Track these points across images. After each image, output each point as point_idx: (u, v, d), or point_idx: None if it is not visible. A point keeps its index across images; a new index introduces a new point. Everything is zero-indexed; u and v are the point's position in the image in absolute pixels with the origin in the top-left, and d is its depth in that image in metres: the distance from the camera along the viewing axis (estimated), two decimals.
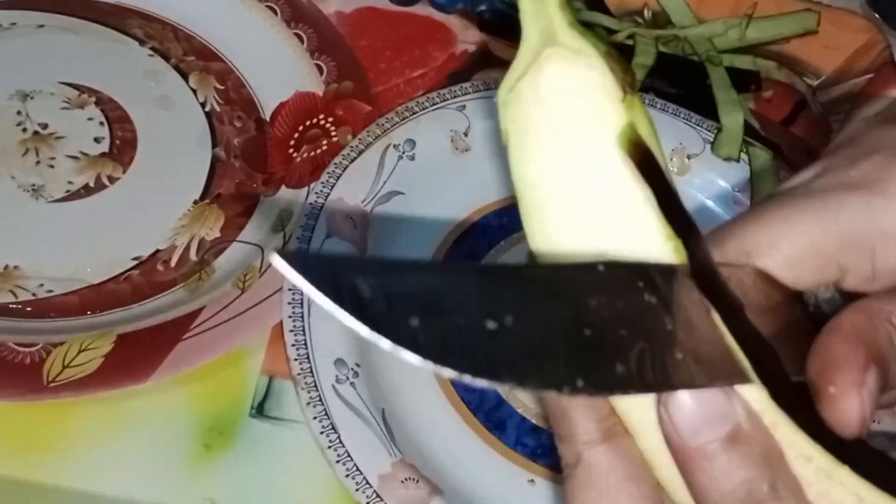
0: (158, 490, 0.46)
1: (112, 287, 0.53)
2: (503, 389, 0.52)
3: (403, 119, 0.60)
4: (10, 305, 0.51)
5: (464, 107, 0.61)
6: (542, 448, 0.51)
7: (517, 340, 0.22)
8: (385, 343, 0.19)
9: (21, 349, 0.48)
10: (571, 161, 0.27)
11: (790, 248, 0.29)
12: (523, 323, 0.22)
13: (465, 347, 0.21)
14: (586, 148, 0.27)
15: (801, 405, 0.28)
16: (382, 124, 0.59)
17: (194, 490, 0.47)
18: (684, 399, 0.26)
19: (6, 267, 0.52)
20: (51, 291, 0.52)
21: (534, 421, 0.52)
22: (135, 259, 0.54)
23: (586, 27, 0.27)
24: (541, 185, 0.28)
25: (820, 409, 0.27)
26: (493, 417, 0.52)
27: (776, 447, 0.27)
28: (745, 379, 0.26)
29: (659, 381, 0.24)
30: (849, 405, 0.27)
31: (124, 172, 0.58)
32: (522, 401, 0.52)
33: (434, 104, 0.61)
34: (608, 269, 0.25)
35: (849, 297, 0.30)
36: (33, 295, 0.52)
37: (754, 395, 0.27)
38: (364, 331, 0.19)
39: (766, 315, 0.29)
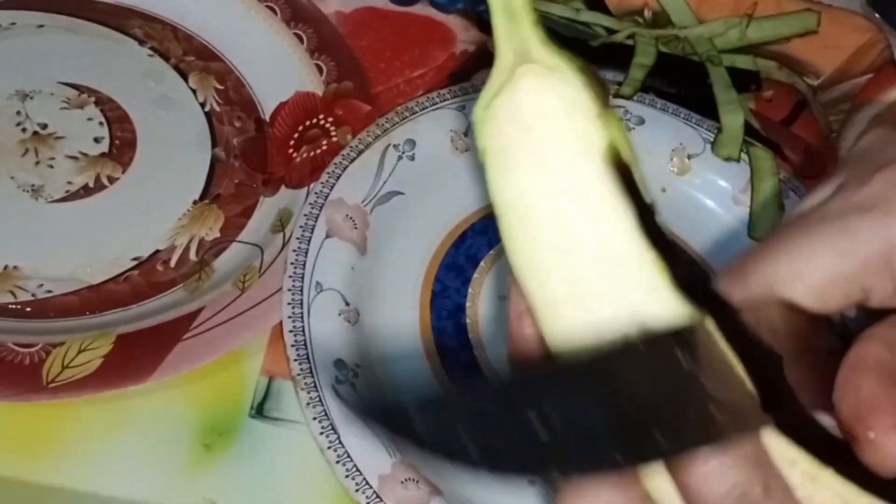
0: (158, 490, 0.46)
1: (111, 287, 0.53)
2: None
3: (403, 119, 0.60)
4: (10, 306, 0.51)
5: (464, 107, 0.61)
6: None
7: (564, 437, 0.23)
8: (445, 467, 0.21)
9: (20, 349, 0.47)
10: (549, 178, 0.27)
11: (813, 277, 0.29)
12: (571, 424, 0.23)
13: (517, 457, 0.22)
14: (564, 164, 0.27)
15: (789, 409, 0.28)
16: (382, 124, 0.59)
17: (194, 490, 0.46)
18: None
19: (5, 267, 0.52)
20: (50, 292, 0.52)
21: None
22: (134, 259, 0.54)
23: (560, 45, 0.28)
24: (520, 203, 0.28)
25: (859, 453, 0.27)
26: None
27: (764, 449, 0.27)
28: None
29: (697, 440, 0.24)
30: (891, 449, 0.27)
31: (124, 172, 0.58)
32: None
33: (434, 104, 0.61)
34: (646, 345, 0.25)
35: (872, 312, 0.30)
36: (32, 295, 0.51)
37: None
38: (421, 459, 0.20)
39: (793, 343, 0.29)
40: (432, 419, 0.21)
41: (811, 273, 0.29)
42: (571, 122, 0.27)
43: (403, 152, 0.59)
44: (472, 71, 0.68)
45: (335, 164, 0.56)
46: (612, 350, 0.26)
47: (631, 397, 0.24)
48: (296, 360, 0.48)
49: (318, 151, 0.59)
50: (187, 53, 0.64)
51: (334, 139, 0.59)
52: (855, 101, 0.69)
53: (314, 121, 0.61)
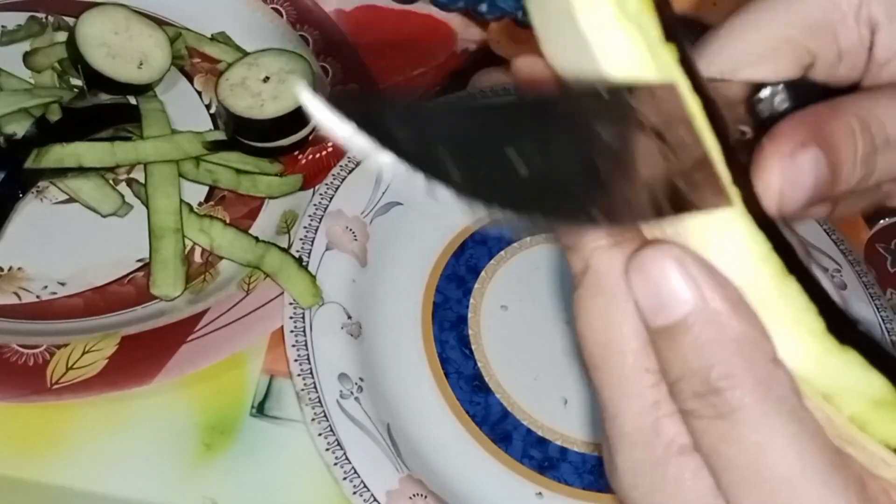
0: (159, 489, 0.47)
1: (116, 289, 0.53)
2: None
3: None
4: (14, 307, 0.51)
5: None
6: (549, 460, 0.51)
7: (542, 177, 0.23)
8: (420, 180, 0.20)
9: (25, 350, 0.48)
10: None
11: (764, 46, 0.31)
12: (547, 158, 0.23)
13: (497, 184, 0.22)
14: None
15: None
16: None
17: (195, 489, 0.47)
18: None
19: (10, 268, 0.52)
20: (55, 293, 0.52)
21: (540, 433, 0.52)
22: (139, 261, 0.54)
23: None
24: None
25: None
26: (498, 430, 0.51)
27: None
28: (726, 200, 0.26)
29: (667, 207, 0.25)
30: (768, 174, 0.27)
31: (129, 173, 0.57)
32: (528, 413, 0.52)
33: None
34: (611, 95, 0.25)
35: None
36: (37, 297, 0.52)
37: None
38: (402, 168, 0.20)
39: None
40: (415, 132, 0.21)
41: (763, 43, 0.31)
42: None
43: None
44: (473, 70, 0.68)
45: (333, 175, 0.56)
46: (580, 91, 0.26)
47: (603, 152, 0.24)
48: (299, 374, 0.48)
49: (324, 154, 0.59)
50: (193, 55, 0.64)
51: None
52: None
53: None
